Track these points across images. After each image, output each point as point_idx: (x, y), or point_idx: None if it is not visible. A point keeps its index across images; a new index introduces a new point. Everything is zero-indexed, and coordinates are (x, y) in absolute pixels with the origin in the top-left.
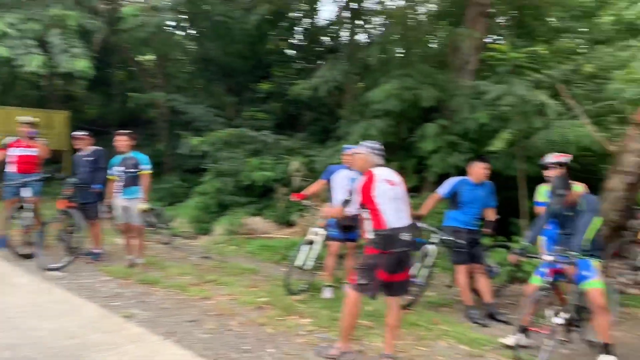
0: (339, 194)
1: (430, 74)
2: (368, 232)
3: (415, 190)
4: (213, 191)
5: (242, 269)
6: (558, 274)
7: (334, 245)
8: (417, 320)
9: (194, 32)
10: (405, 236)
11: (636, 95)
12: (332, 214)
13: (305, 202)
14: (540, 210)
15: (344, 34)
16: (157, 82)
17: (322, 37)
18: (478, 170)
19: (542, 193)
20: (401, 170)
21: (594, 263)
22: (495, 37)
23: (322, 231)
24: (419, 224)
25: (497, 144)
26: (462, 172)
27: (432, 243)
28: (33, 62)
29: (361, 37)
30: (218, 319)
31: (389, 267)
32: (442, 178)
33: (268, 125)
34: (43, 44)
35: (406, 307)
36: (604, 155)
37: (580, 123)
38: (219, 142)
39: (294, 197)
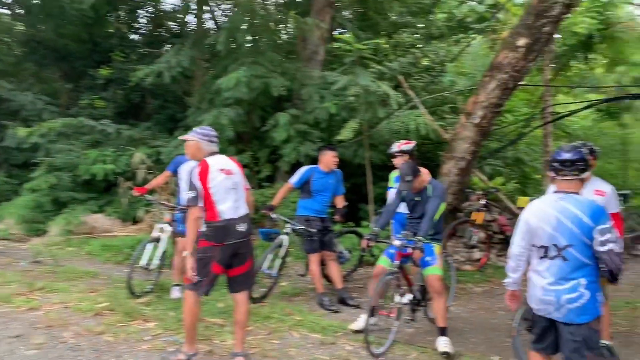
0: (186, 186)
1: (280, 62)
2: (201, 224)
3: (269, 180)
4: (46, 188)
5: (80, 273)
6: (405, 257)
7: (183, 241)
8: (270, 313)
9: (21, 10)
10: (241, 227)
11: (466, 87)
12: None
13: (148, 196)
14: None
15: (191, 20)
16: None
17: (168, 22)
18: (328, 159)
19: (393, 180)
20: (255, 160)
21: (436, 248)
22: (341, 29)
23: (168, 227)
24: (272, 215)
25: (346, 133)
26: (314, 161)
27: (285, 233)
28: None
29: (209, 24)
30: (48, 332)
31: (223, 260)
32: (295, 167)
33: (108, 114)
34: None
35: (259, 299)
36: (440, 143)
37: (419, 113)
38: (52, 133)
39: (136, 192)
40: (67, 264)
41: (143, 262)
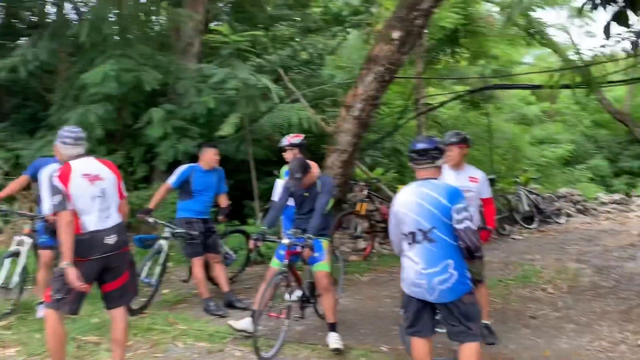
0: (46, 192)
1: (152, 55)
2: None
3: (145, 181)
4: None
5: None
6: (294, 255)
7: (46, 254)
8: (151, 324)
9: None
10: (110, 239)
11: (345, 80)
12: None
13: (2, 206)
14: None
15: (51, 10)
16: None
17: (24, 12)
18: (208, 157)
19: (283, 174)
20: (129, 160)
21: (324, 243)
22: (217, 21)
23: (28, 239)
24: (149, 219)
25: (226, 129)
26: (194, 158)
27: (164, 238)
28: None
29: (71, 14)
30: None
31: (89, 276)
32: (173, 166)
33: None
34: None
35: (139, 311)
36: (323, 136)
37: (301, 106)
38: None
39: None
40: None
41: (0, 280)
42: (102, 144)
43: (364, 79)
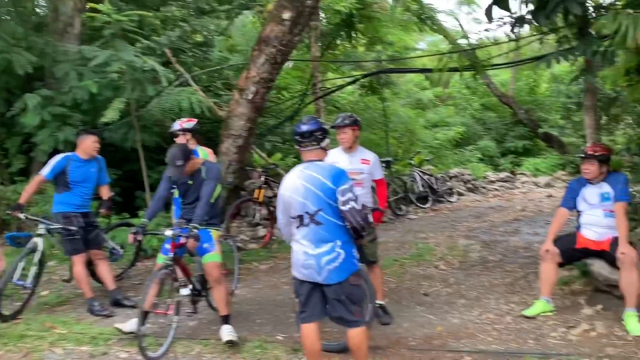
0: None
1: (25, 36)
2: None
3: (23, 174)
4: None
5: None
6: (180, 247)
7: None
8: (25, 330)
9: None
10: None
11: (238, 63)
12: None
13: None
14: None
15: None
16: None
17: None
18: (87, 144)
19: None
20: (3, 151)
21: (213, 233)
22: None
23: None
24: (21, 215)
25: (110, 114)
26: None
27: (39, 235)
28: None
29: None
30: None
31: None
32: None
33: None
34: None
35: (12, 316)
36: (218, 122)
37: (193, 90)
38: None
39: None
40: None
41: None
42: None
43: (256, 61)
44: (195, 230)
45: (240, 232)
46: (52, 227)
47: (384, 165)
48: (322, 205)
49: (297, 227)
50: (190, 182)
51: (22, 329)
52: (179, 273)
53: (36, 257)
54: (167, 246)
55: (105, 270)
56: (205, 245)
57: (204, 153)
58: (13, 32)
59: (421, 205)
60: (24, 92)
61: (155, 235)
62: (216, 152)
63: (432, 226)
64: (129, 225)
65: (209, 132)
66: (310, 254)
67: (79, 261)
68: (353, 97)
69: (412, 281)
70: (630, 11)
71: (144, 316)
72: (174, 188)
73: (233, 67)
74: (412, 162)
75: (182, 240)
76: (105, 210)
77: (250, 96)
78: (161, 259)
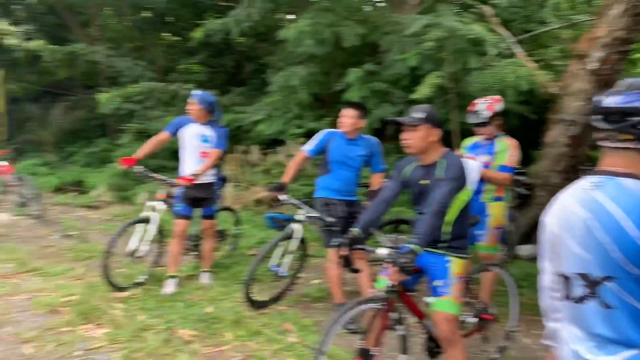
0: (187, 155)
1: (359, 8)
2: None
3: None
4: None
5: (97, 252)
6: (408, 272)
7: (180, 224)
8: (263, 327)
9: None
10: None
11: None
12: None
13: (137, 167)
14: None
15: None
16: (94, 34)
17: None
18: (342, 120)
19: (466, 149)
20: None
21: (454, 263)
22: None
23: (161, 206)
24: (281, 196)
25: (423, 90)
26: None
27: (297, 221)
28: None
29: None
30: None
31: None
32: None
33: (203, 79)
34: None
35: (264, 303)
36: (544, 101)
37: (519, 61)
38: (139, 98)
39: (122, 163)
40: (98, 240)
41: (131, 247)
42: (309, 109)
43: (607, 13)
44: (413, 254)
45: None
46: (310, 214)
47: None
48: (617, 272)
49: (561, 297)
50: (424, 181)
51: (263, 322)
52: (399, 312)
53: (292, 244)
54: (387, 267)
55: (365, 273)
56: (437, 283)
57: (503, 145)
58: (347, 4)
59: None
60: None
61: (365, 250)
62: (535, 143)
63: None
64: (406, 222)
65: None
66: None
67: (333, 257)
68: None
69: None
70: None
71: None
72: (407, 189)
73: (570, 25)
74: None
75: (402, 263)
76: (370, 201)
77: (594, 65)
78: (382, 284)
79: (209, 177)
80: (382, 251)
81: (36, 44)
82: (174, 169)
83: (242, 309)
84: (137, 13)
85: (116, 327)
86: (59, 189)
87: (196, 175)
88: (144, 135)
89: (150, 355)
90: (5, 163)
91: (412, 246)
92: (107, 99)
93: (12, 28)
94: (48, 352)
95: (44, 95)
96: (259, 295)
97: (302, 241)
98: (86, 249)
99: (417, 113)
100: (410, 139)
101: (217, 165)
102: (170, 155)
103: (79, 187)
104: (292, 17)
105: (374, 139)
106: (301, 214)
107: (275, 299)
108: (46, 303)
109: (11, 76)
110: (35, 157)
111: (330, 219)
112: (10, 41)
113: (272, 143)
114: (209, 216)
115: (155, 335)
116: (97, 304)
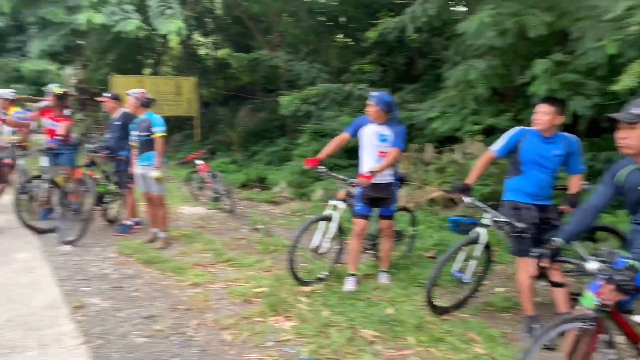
0: (366, 154)
1: None
2: None
3: None
4: (311, 154)
5: (281, 246)
6: (624, 290)
7: (359, 223)
8: (445, 334)
9: None
10: None
11: None
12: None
13: (321, 168)
14: None
15: None
16: (274, 41)
17: None
18: (536, 117)
19: None
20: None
21: None
22: None
23: (342, 204)
24: (466, 199)
25: (626, 81)
26: (593, 123)
27: (484, 225)
28: (129, 26)
29: None
30: (179, 316)
31: None
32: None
33: (375, 79)
34: (141, 8)
35: (447, 309)
36: None
37: None
38: (315, 99)
39: (307, 163)
40: (281, 234)
41: (314, 243)
42: (487, 105)
43: None
44: (630, 272)
45: None
46: (498, 219)
47: None
48: None
49: None
50: None
51: (446, 329)
52: (611, 331)
53: (477, 250)
54: (598, 283)
55: (562, 289)
56: None
57: None
58: None
59: None
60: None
61: (569, 263)
62: None
63: None
64: (611, 230)
65: None
66: None
67: (523, 266)
68: None
69: None
70: None
71: None
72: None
73: None
74: None
75: (619, 279)
76: (567, 206)
77: None
78: (589, 300)
79: (387, 177)
80: (592, 265)
81: (223, 52)
82: (347, 167)
83: (423, 313)
84: (313, 17)
85: (302, 321)
86: (244, 185)
87: (374, 173)
88: (319, 135)
89: (336, 352)
90: (201, 162)
91: (631, 262)
92: (287, 102)
93: (203, 39)
94: (243, 340)
95: (230, 99)
96: (441, 300)
97: (487, 247)
98: (272, 242)
99: (637, 108)
100: (628, 138)
101: (395, 164)
102: (344, 153)
103: (262, 183)
104: (465, 9)
105: (573, 137)
106: (488, 218)
107: (457, 306)
108: (240, 293)
109: (202, 82)
110: (224, 156)
111: (520, 225)
112: (202, 51)
113: (446, 140)
114: (387, 216)
115: (339, 332)
116: (285, 296)
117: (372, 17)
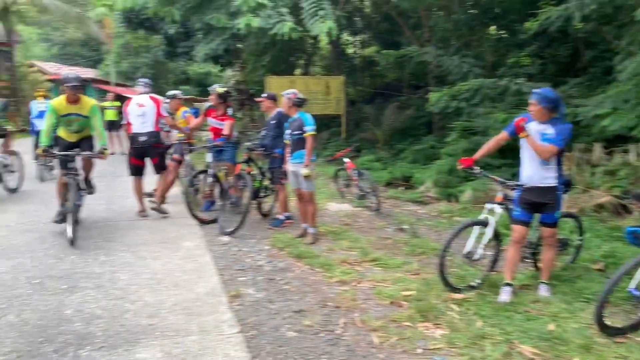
0: (526, 155)
1: None
2: None
3: None
4: (460, 152)
5: (428, 248)
6: None
7: (518, 230)
8: (622, 357)
9: None
10: None
11: None
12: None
13: (476, 169)
14: None
15: None
16: (424, 36)
17: None
18: None
19: None
20: None
21: None
22: None
23: (498, 209)
24: None
25: None
26: None
27: None
28: (284, 29)
29: None
30: (328, 313)
31: None
32: None
33: (534, 72)
34: (295, 10)
35: (619, 332)
36: None
37: None
38: (467, 95)
39: (461, 163)
40: (428, 236)
41: (467, 248)
42: None
43: None
44: None
45: None
46: None
47: None
48: None
49: None
50: None
51: (620, 354)
52: None
53: None
54: None
55: None
56: None
57: None
58: None
59: None
60: None
61: None
62: None
63: None
64: None
65: None
66: None
67: None
68: None
69: None
70: None
71: None
72: None
73: None
74: None
75: None
76: None
77: None
78: None
79: (550, 180)
80: None
81: (370, 50)
82: (499, 167)
83: (591, 332)
84: (465, 10)
85: (453, 330)
86: (389, 184)
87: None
88: (468, 133)
89: None
90: (348, 160)
91: None
92: (436, 98)
93: (352, 38)
94: (391, 345)
95: (376, 96)
96: (612, 320)
97: None
98: (419, 244)
99: None
100: None
101: (560, 166)
102: (496, 152)
103: (407, 182)
104: None
105: None
106: None
107: (634, 327)
108: (388, 294)
109: (349, 81)
110: (369, 154)
111: None
112: (349, 50)
113: (615, 139)
114: (549, 224)
115: (494, 346)
116: (434, 302)
117: (531, 7)
